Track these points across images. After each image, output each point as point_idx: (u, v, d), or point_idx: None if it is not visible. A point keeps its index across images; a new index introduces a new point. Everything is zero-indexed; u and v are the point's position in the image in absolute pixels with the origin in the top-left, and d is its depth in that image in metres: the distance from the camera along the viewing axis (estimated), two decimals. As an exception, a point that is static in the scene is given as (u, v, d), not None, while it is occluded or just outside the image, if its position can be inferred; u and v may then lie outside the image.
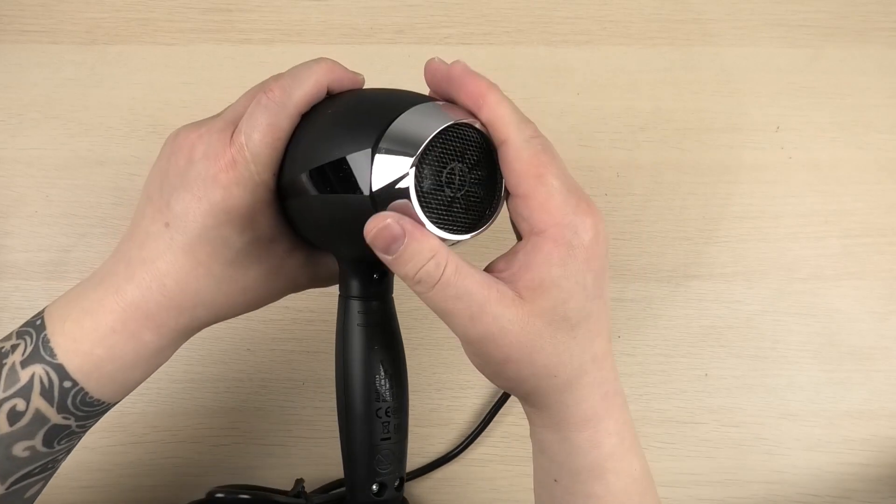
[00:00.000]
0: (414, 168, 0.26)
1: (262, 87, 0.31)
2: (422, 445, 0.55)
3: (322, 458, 0.55)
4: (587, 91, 0.60)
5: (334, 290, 0.57)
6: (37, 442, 0.30)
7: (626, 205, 0.59)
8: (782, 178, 0.59)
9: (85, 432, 0.33)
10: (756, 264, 0.58)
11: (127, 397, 0.54)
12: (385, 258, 0.27)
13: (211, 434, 0.55)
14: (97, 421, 0.33)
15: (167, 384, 0.55)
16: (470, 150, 0.29)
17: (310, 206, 0.30)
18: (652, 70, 0.60)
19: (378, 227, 0.26)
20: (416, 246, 0.26)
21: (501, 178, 0.30)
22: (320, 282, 0.36)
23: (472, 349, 0.29)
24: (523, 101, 0.59)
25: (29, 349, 0.29)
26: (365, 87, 0.34)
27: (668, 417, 0.56)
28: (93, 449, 0.54)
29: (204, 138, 0.30)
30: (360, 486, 0.33)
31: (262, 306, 0.34)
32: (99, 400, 0.31)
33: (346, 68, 0.33)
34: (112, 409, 0.51)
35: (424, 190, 0.27)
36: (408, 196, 0.27)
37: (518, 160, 0.28)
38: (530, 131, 0.29)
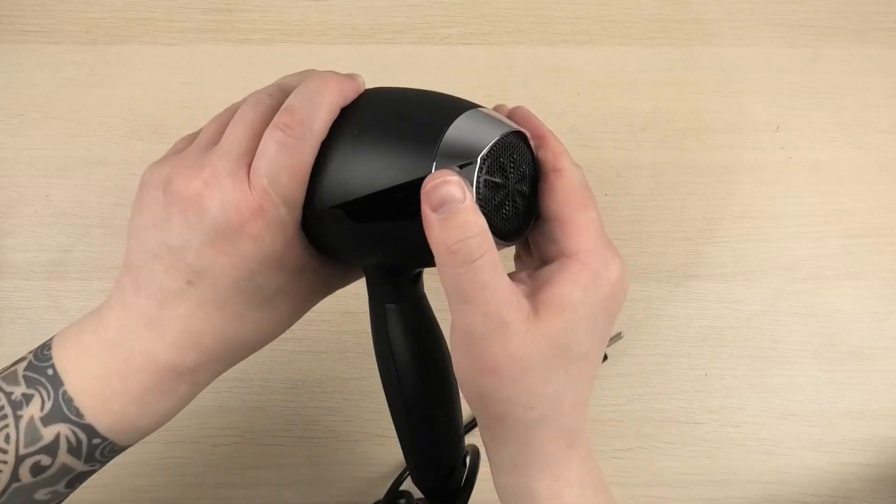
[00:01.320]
0: (475, 179, 0.26)
1: (276, 124, 0.27)
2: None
3: (322, 458, 0.55)
4: (587, 91, 0.60)
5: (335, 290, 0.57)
6: (59, 487, 0.29)
7: (626, 205, 0.59)
8: (782, 178, 0.59)
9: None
10: (756, 264, 0.58)
11: (127, 397, 0.54)
12: (430, 216, 0.25)
13: (211, 434, 0.55)
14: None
15: (167, 384, 0.55)
16: (523, 160, 0.29)
17: (355, 233, 0.29)
18: (652, 70, 0.60)
19: (440, 180, 0.25)
20: (469, 216, 0.25)
21: (537, 198, 0.30)
22: (339, 287, 0.35)
23: (465, 345, 0.27)
24: (523, 102, 0.59)
25: (48, 405, 0.28)
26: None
27: (668, 417, 0.56)
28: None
29: (213, 186, 0.26)
30: (437, 473, 0.35)
31: (296, 322, 0.33)
32: (127, 446, 0.31)
33: (348, 78, 0.30)
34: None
35: (480, 193, 0.26)
36: None
37: (569, 187, 0.28)
38: (581, 171, 0.30)
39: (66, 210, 0.56)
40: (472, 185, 0.26)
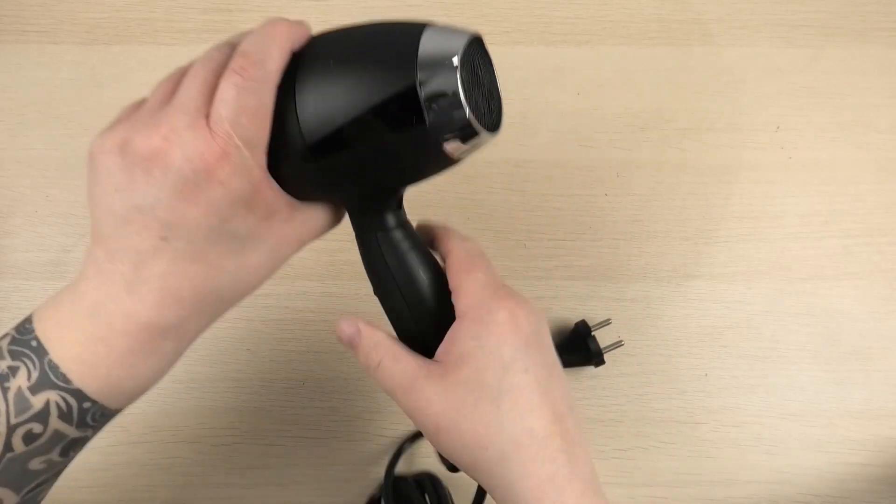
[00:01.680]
0: (459, 79, 0.27)
1: (232, 69, 0.28)
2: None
3: (322, 459, 0.55)
4: (587, 91, 0.60)
5: (335, 291, 0.57)
6: (53, 455, 0.30)
7: (626, 205, 0.59)
8: (782, 178, 0.59)
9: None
10: (756, 264, 0.58)
11: (127, 397, 0.54)
12: (351, 350, 0.34)
13: (211, 434, 0.55)
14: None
15: (167, 384, 0.55)
16: (487, 58, 0.31)
17: (343, 163, 0.29)
18: (652, 70, 0.60)
19: (347, 326, 0.35)
20: (367, 337, 0.34)
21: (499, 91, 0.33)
22: (311, 236, 0.35)
23: (416, 424, 0.32)
24: (523, 101, 0.60)
25: (35, 374, 0.28)
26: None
27: (668, 417, 0.56)
28: (93, 449, 0.53)
29: (173, 140, 0.27)
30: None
31: (274, 274, 0.34)
32: (118, 409, 0.31)
33: (296, 22, 0.31)
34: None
35: (465, 93, 0.28)
36: (460, 106, 0.28)
37: (455, 262, 0.34)
38: (469, 243, 0.35)
39: (66, 210, 0.56)
40: (458, 87, 0.27)
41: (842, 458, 0.56)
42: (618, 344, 0.55)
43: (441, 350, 0.33)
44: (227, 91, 0.27)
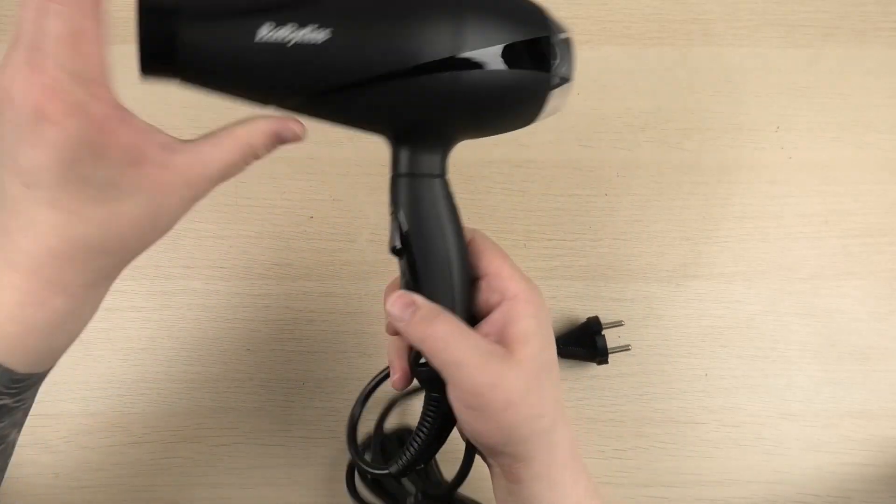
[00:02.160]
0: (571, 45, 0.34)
1: None
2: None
3: (323, 459, 0.55)
4: (587, 91, 0.60)
5: (335, 291, 0.57)
6: None
7: (626, 205, 0.59)
8: (782, 178, 0.59)
9: (25, 406, 0.31)
10: (756, 264, 0.58)
11: (127, 397, 0.54)
12: (399, 324, 0.33)
13: (211, 434, 0.55)
14: (35, 393, 0.31)
15: (167, 384, 0.55)
16: None
17: (449, 85, 0.31)
18: (652, 70, 0.60)
19: (399, 299, 0.33)
20: (427, 308, 0.33)
21: None
22: (213, 177, 0.31)
23: (473, 400, 0.32)
24: (523, 101, 0.60)
25: None
26: None
27: (668, 417, 0.56)
28: (93, 449, 0.54)
29: (14, 78, 0.25)
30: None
31: (169, 228, 0.31)
32: (27, 374, 0.29)
33: None
34: (112, 410, 0.51)
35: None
36: (570, 62, 0.34)
37: (489, 248, 0.36)
38: (481, 232, 0.38)
39: (67, 210, 0.56)
40: (572, 48, 0.34)
41: (842, 458, 0.56)
42: (624, 348, 0.55)
43: (493, 327, 0.34)
44: (45, 21, 0.25)
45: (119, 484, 0.54)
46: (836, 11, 0.62)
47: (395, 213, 0.34)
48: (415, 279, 0.34)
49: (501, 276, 0.35)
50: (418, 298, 0.33)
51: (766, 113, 0.60)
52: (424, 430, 0.37)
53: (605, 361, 0.55)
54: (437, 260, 0.34)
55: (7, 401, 0.29)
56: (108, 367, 0.55)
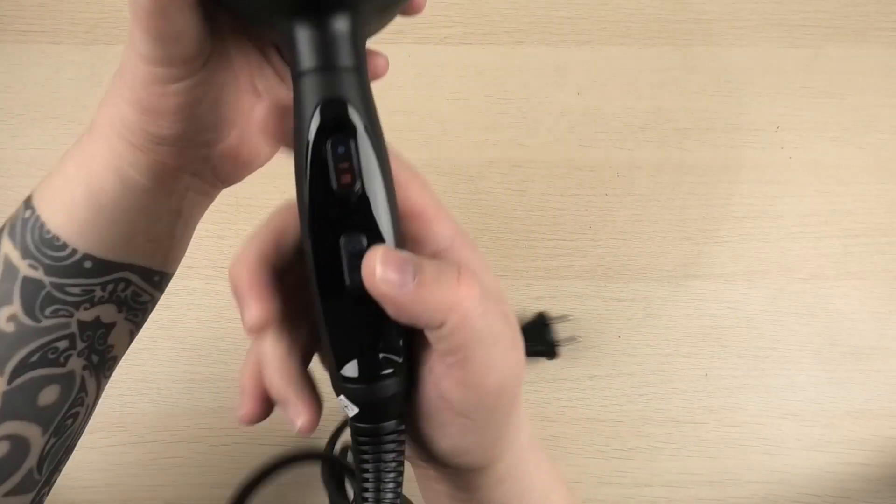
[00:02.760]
0: None
1: None
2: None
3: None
4: (587, 91, 0.60)
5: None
6: (17, 308, 0.28)
7: (626, 205, 0.59)
8: (782, 178, 0.59)
9: (72, 308, 0.29)
10: (756, 264, 0.58)
11: (127, 397, 0.54)
12: (401, 292, 0.21)
13: (211, 434, 0.55)
14: (80, 290, 0.29)
15: (167, 384, 0.55)
16: None
17: None
18: (652, 70, 0.60)
19: (389, 256, 0.22)
20: (439, 265, 0.22)
21: None
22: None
23: (492, 383, 0.23)
24: (523, 101, 0.60)
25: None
26: None
27: (668, 417, 0.56)
28: (93, 449, 0.54)
29: None
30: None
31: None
32: (57, 237, 0.28)
33: None
34: (112, 410, 0.51)
35: None
36: None
37: (400, 166, 0.26)
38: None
39: (67, 210, 0.56)
40: None
41: (842, 458, 0.56)
42: (574, 338, 0.55)
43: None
44: None
45: (119, 484, 0.54)
46: (836, 11, 0.62)
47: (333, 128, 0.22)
48: (370, 226, 0.23)
49: (426, 216, 0.24)
50: (408, 254, 0.22)
51: (766, 113, 0.60)
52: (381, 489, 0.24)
53: (555, 355, 0.54)
54: (390, 190, 0.23)
55: (42, 276, 0.28)
56: (108, 367, 0.55)
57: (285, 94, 0.30)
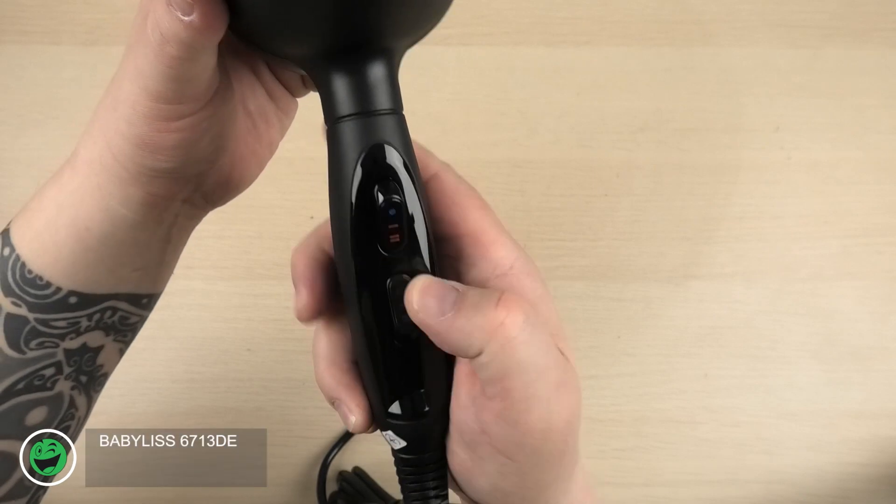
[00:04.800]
0: None
1: None
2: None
3: (322, 459, 0.55)
4: (587, 91, 0.60)
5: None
6: (1, 342, 0.28)
7: (626, 205, 0.59)
8: (782, 178, 0.59)
9: (58, 339, 0.29)
10: (756, 264, 0.58)
11: (127, 397, 0.54)
12: (440, 320, 0.21)
13: (211, 434, 0.55)
14: (65, 322, 0.28)
15: (167, 384, 0.55)
16: None
17: None
18: (652, 70, 0.60)
19: (432, 287, 0.22)
20: (480, 291, 0.22)
21: None
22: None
23: (534, 421, 0.22)
24: (523, 102, 0.60)
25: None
26: None
27: (668, 417, 0.56)
28: (93, 449, 0.54)
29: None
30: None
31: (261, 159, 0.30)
32: (40, 276, 0.27)
33: None
34: (112, 409, 0.51)
35: None
36: None
37: (461, 188, 0.26)
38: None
39: (67, 210, 0.56)
40: None
41: (841, 458, 0.56)
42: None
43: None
44: None
45: (119, 484, 0.54)
46: (835, 11, 0.62)
47: (379, 181, 0.22)
48: (415, 267, 0.23)
49: (484, 240, 0.24)
50: (449, 283, 0.22)
51: (766, 113, 0.60)
52: None
53: None
54: (428, 225, 0.23)
55: (26, 313, 0.28)
56: (109, 366, 0.55)
57: (273, 111, 0.30)
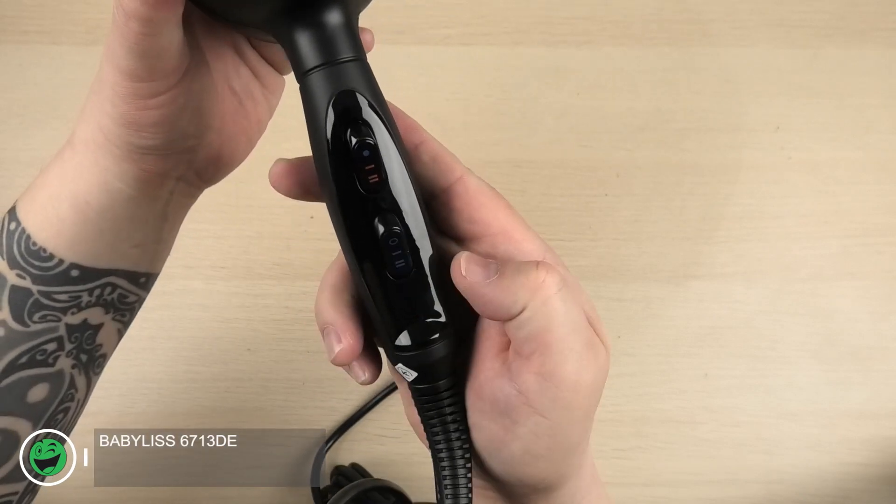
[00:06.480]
0: None
1: None
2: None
3: (317, 451, 0.55)
4: (587, 91, 0.60)
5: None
6: (5, 314, 0.29)
7: (626, 205, 0.59)
8: (782, 178, 0.59)
9: (60, 313, 0.30)
10: (756, 264, 0.58)
11: (127, 397, 0.54)
12: (485, 283, 0.23)
13: (211, 434, 0.55)
14: (67, 296, 0.29)
15: (167, 384, 0.55)
16: None
17: None
18: (652, 70, 0.60)
19: (471, 257, 0.24)
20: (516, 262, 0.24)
21: None
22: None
23: (569, 373, 0.23)
24: (523, 102, 0.60)
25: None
26: None
27: (668, 417, 0.56)
28: (93, 448, 0.54)
29: None
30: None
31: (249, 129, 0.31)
32: (43, 248, 0.29)
33: None
34: (112, 409, 0.51)
35: None
36: None
37: (483, 188, 0.28)
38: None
39: (67, 210, 0.56)
40: None
41: (841, 458, 0.56)
42: None
43: None
44: None
45: (119, 484, 0.54)
46: (835, 11, 0.62)
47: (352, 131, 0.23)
48: (399, 206, 0.24)
49: (517, 236, 0.26)
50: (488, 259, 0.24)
51: (766, 113, 0.60)
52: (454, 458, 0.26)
53: None
54: (408, 163, 0.25)
55: (30, 285, 0.29)
56: (109, 366, 0.54)
57: (259, 90, 0.31)
